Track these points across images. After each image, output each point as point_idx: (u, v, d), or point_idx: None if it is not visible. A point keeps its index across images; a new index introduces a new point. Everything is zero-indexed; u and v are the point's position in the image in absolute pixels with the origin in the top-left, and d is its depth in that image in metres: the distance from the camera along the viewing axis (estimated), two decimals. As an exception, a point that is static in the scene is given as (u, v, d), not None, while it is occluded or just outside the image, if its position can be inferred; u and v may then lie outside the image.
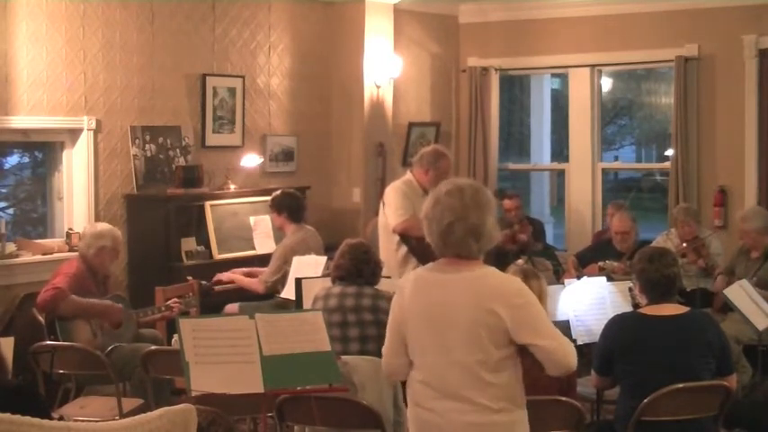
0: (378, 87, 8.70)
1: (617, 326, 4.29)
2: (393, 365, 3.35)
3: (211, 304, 6.60)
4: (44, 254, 6.60)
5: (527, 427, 3.23)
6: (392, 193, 6.38)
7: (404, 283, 3.36)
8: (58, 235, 6.91)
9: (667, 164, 8.99)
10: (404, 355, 3.28)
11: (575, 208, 9.32)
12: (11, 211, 7.18)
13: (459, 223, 3.16)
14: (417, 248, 6.31)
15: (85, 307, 5.62)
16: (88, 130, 6.87)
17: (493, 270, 3.22)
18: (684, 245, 7.32)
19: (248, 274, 6.96)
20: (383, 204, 6.44)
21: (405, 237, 6.30)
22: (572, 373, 4.19)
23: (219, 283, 6.95)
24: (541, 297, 4.16)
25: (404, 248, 6.30)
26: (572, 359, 3.15)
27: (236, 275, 6.96)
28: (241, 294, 6.87)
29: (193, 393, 3.71)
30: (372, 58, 8.60)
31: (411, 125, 9.25)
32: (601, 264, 6.99)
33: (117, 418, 4.83)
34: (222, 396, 3.73)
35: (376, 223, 6.79)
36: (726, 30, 8.51)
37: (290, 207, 6.81)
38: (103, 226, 6.03)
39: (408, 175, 6.47)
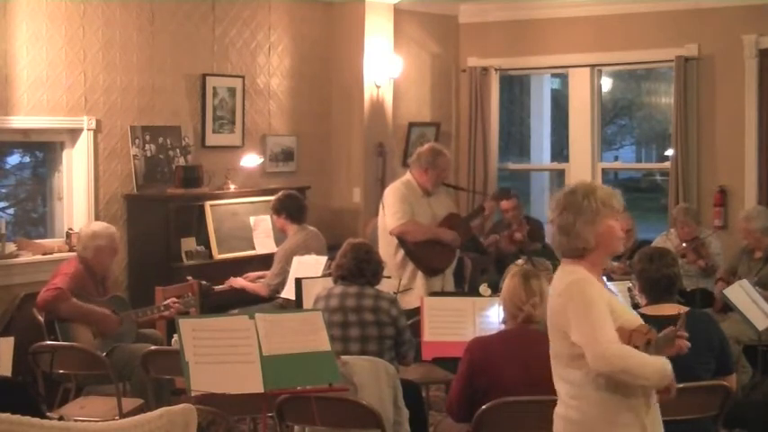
0: (378, 87, 8.70)
1: (617, 326, 4.29)
2: None
3: (211, 304, 6.60)
4: (44, 254, 6.59)
5: (614, 429, 3.17)
6: (391, 194, 6.37)
7: None
8: (58, 235, 6.91)
9: (667, 164, 8.99)
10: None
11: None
12: (11, 211, 7.18)
13: (552, 224, 3.33)
14: (414, 252, 6.32)
15: (84, 312, 5.62)
16: (88, 130, 6.86)
17: (570, 269, 3.27)
18: (684, 245, 7.32)
19: (259, 279, 6.95)
20: (382, 206, 6.44)
21: (402, 240, 6.30)
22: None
23: (232, 287, 6.94)
24: (543, 298, 4.16)
25: (402, 251, 6.31)
26: (600, 362, 3.08)
27: (245, 282, 6.95)
28: (241, 295, 6.87)
29: (193, 393, 3.70)
30: (372, 58, 8.60)
31: (411, 125, 9.25)
32: (601, 264, 6.97)
33: (117, 418, 4.83)
34: (222, 396, 3.74)
35: (376, 223, 6.79)
36: (726, 30, 8.51)
37: (288, 208, 6.81)
38: (98, 225, 6.03)
39: (408, 176, 6.47)
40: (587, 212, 3.23)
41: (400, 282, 5.94)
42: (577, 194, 3.26)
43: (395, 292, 5.30)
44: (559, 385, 3.27)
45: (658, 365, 3.10)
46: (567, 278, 3.24)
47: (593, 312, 3.13)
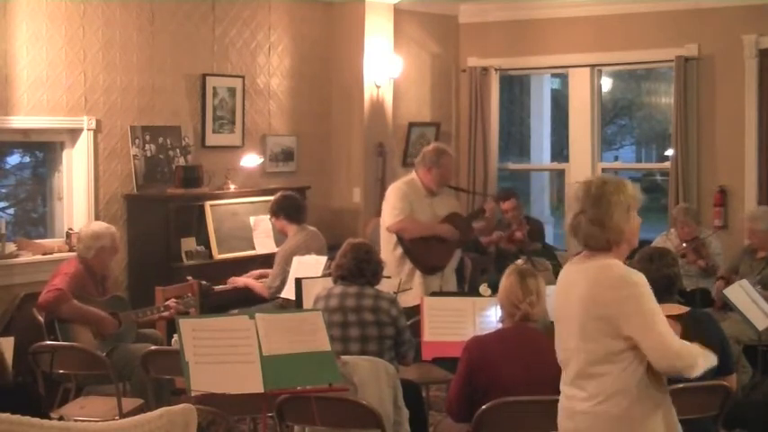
0: (378, 87, 8.70)
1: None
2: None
3: (211, 304, 6.59)
4: (44, 254, 6.59)
5: (648, 422, 3.20)
6: (391, 192, 6.40)
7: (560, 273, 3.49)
8: (58, 235, 6.91)
9: (667, 164, 8.99)
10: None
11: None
12: (11, 211, 7.18)
13: (583, 215, 3.24)
14: (410, 249, 6.33)
15: (84, 313, 5.61)
16: (88, 130, 6.86)
17: (613, 262, 3.24)
18: (684, 245, 7.32)
19: (262, 276, 6.95)
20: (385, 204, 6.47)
21: (400, 238, 6.31)
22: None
23: (234, 287, 6.95)
24: (539, 296, 4.18)
25: (400, 249, 6.31)
26: (668, 361, 3.12)
27: (249, 280, 6.95)
28: (241, 295, 6.87)
29: (193, 393, 3.71)
30: (372, 58, 8.60)
31: (411, 125, 9.25)
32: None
33: (117, 418, 4.83)
34: (222, 396, 3.74)
35: (376, 223, 6.80)
36: (726, 30, 8.51)
37: (287, 209, 6.80)
38: (99, 225, 6.02)
39: (412, 175, 6.48)
40: (623, 205, 3.24)
41: (401, 281, 5.93)
42: (610, 186, 3.25)
43: (394, 292, 5.30)
44: (585, 382, 3.21)
45: (711, 357, 3.25)
46: (613, 271, 3.19)
47: (655, 308, 3.17)
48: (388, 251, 6.26)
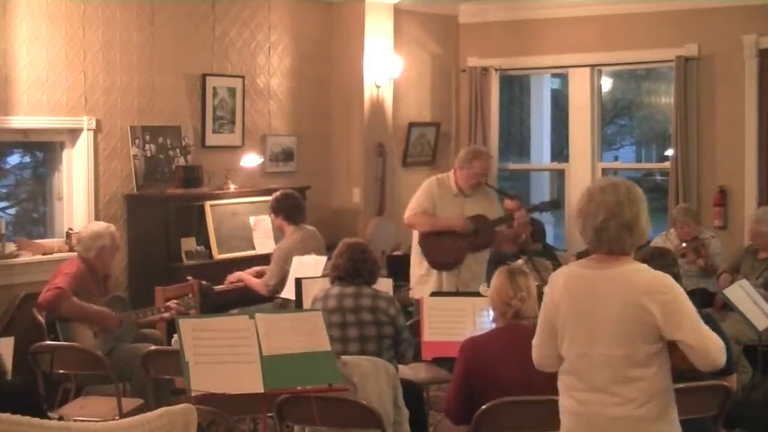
0: (378, 87, 8.70)
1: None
2: (542, 357, 3.44)
3: (211, 304, 6.59)
4: (44, 254, 6.60)
5: (674, 424, 3.25)
6: (421, 187, 6.51)
7: (556, 278, 3.43)
8: (58, 235, 6.91)
9: (667, 164, 8.99)
10: (553, 347, 3.36)
11: (575, 208, 9.29)
12: (11, 211, 7.18)
13: (614, 219, 3.22)
14: (422, 243, 6.42)
15: (85, 311, 5.61)
16: (88, 130, 6.86)
17: (643, 266, 3.26)
18: (684, 245, 7.32)
19: (259, 274, 6.96)
20: None
21: (420, 232, 6.46)
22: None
23: (231, 282, 6.96)
24: (529, 292, 4.21)
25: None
26: (717, 357, 3.15)
27: (244, 275, 6.96)
28: (241, 295, 6.87)
29: (193, 393, 3.71)
30: (372, 58, 8.60)
31: (411, 125, 9.25)
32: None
33: (117, 418, 4.83)
34: (222, 396, 3.74)
35: (377, 223, 6.82)
36: (726, 30, 8.51)
37: (287, 209, 6.80)
38: (99, 225, 6.02)
39: (450, 172, 6.51)
40: (646, 210, 3.28)
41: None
42: (636, 191, 3.28)
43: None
44: (619, 387, 3.19)
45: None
46: (648, 275, 3.21)
47: (692, 306, 3.19)
48: (414, 245, 6.46)
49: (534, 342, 3.46)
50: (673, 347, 3.20)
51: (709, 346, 3.15)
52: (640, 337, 3.16)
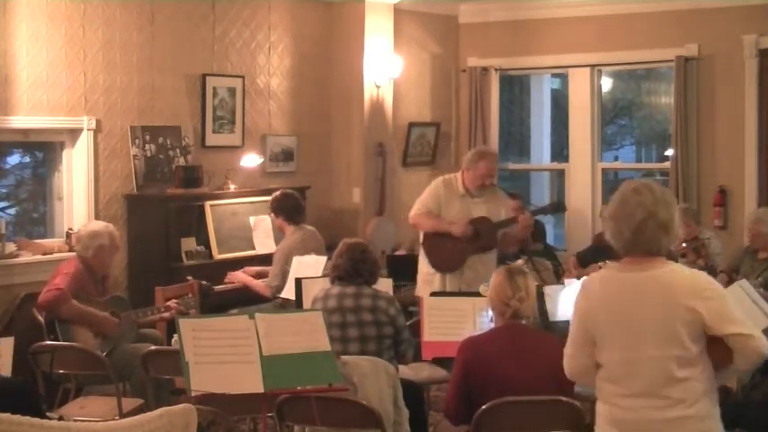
0: (378, 87, 8.70)
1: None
2: (579, 366, 3.37)
3: (211, 304, 6.59)
4: (44, 254, 6.59)
5: (720, 422, 3.25)
6: (428, 187, 6.57)
7: (590, 285, 3.37)
8: (58, 235, 6.91)
9: (667, 164, 9.00)
10: (591, 355, 3.29)
11: (575, 208, 9.31)
12: (11, 211, 7.18)
13: (652, 220, 3.21)
14: (424, 244, 6.46)
15: (84, 314, 5.61)
16: (88, 130, 6.86)
17: (680, 266, 3.27)
18: (684, 245, 7.32)
19: (259, 274, 6.95)
20: None
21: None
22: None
23: (231, 282, 6.96)
24: (528, 292, 4.21)
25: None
26: (760, 351, 3.15)
27: (245, 276, 6.96)
28: (241, 295, 6.87)
29: (193, 393, 3.70)
30: (372, 58, 8.60)
31: (411, 125, 9.25)
32: (601, 264, 6.97)
33: (117, 418, 4.83)
34: (222, 396, 3.74)
35: (377, 223, 6.82)
36: (726, 30, 8.51)
37: (287, 209, 6.80)
38: (98, 225, 6.02)
39: (458, 173, 6.52)
40: (676, 207, 3.30)
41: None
42: (669, 192, 3.27)
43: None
44: (668, 389, 3.16)
45: None
46: (697, 274, 3.24)
47: (733, 303, 3.21)
48: (421, 243, 6.52)
49: (568, 352, 3.38)
50: (711, 346, 3.18)
51: (760, 336, 3.14)
52: (690, 337, 3.14)
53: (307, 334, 3.96)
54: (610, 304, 3.25)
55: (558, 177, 10.17)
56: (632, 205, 3.23)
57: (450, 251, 6.31)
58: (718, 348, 3.17)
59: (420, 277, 6.51)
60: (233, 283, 7.00)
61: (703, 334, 3.16)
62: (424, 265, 6.46)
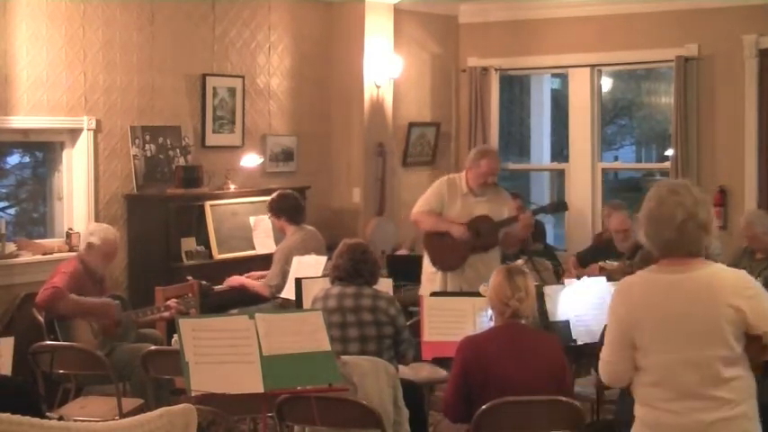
0: (378, 87, 8.70)
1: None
2: (618, 372, 3.30)
3: (211, 304, 6.60)
4: (44, 254, 6.60)
5: (758, 419, 3.24)
6: (432, 185, 6.60)
7: (628, 289, 3.30)
8: (58, 235, 6.91)
9: (667, 164, 8.99)
10: (631, 359, 3.23)
11: (575, 208, 9.31)
12: (11, 211, 7.18)
13: (692, 220, 3.19)
14: (425, 243, 6.49)
15: (83, 306, 5.62)
16: (88, 130, 6.86)
17: (721, 266, 3.26)
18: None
19: (261, 279, 6.94)
20: None
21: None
22: (568, 372, 4.20)
23: (231, 287, 6.95)
24: (527, 292, 4.21)
25: None
26: None
27: (245, 280, 6.95)
28: (241, 295, 6.87)
29: (193, 393, 3.70)
30: (372, 58, 8.60)
31: (411, 125, 9.25)
32: (601, 264, 6.98)
33: (117, 418, 4.83)
34: (222, 396, 3.74)
35: (377, 223, 6.82)
36: (726, 30, 8.51)
37: (288, 210, 6.80)
38: (97, 225, 6.07)
39: (463, 172, 6.53)
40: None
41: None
42: (703, 191, 3.28)
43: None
44: (716, 390, 3.11)
45: None
46: (738, 272, 3.25)
47: None
48: (423, 241, 6.55)
49: (606, 358, 3.31)
50: (747, 344, 3.16)
51: None
52: (733, 335, 3.12)
53: (307, 334, 3.96)
54: (653, 307, 3.19)
55: (558, 177, 10.17)
56: (671, 206, 3.20)
57: (451, 250, 6.32)
58: (753, 347, 3.15)
59: (424, 276, 6.53)
60: (232, 286, 6.98)
61: (744, 333, 3.14)
62: (427, 265, 6.48)
